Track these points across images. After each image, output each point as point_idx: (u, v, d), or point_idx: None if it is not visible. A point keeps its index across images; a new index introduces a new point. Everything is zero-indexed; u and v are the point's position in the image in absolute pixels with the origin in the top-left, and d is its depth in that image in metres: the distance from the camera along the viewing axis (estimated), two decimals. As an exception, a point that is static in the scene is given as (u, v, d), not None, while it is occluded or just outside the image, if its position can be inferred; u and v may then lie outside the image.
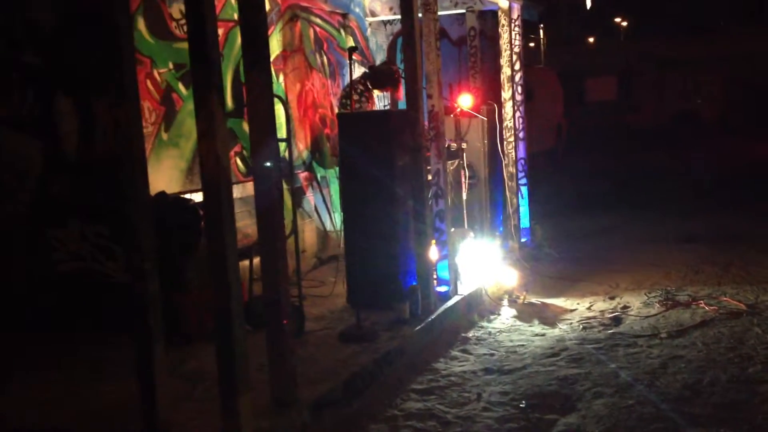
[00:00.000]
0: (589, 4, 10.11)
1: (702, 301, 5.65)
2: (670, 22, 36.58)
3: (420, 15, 5.52)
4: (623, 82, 23.40)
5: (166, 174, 5.41)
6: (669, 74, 24.28)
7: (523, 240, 7.67)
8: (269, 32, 6.45)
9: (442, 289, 5.74)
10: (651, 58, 26.06)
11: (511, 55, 7.49)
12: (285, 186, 6.71)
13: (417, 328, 5.10)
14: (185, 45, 3.51)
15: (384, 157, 5.49)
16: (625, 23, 44.94)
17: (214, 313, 3.39)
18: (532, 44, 33.85)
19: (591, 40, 41.67)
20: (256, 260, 5.28)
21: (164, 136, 5.42)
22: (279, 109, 5.12)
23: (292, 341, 3.80)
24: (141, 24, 5.12)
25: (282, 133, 6.67)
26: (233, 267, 3.38)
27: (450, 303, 5.62)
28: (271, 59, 6.54)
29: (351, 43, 7.92)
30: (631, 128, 22.34)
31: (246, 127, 4.41)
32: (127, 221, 3.29)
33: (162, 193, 5.08)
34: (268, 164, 3.69)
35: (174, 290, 4.79)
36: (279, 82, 6.64)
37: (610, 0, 40.15)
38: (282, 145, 6.68)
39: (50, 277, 5.15)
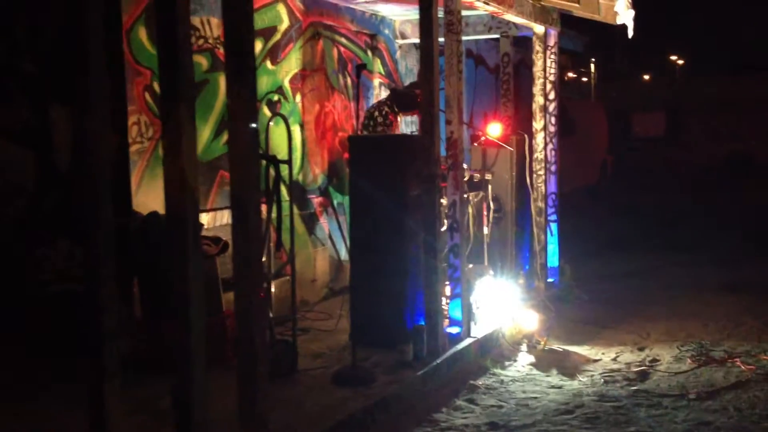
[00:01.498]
0: (630, 33, 9.68)
1: (738, 359, 5.10)
2: (725, 61, 35.69)
3: (442, 36, 5.16)
4: (672, 119, 22.66)
5: (162, 193, 5.10)
6: (722, 113, 23.46)
7: (550, 280, 7.19)
8: (287, 50, 6.20)
9: (454, 330, 5.31)
10: (704, 95, 25.27)
11: (544, 84, 7.07)
12: (295, 211, 6.42)
13: (419, 372, 4.67)
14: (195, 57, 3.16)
15: (396, 186, 5.12)
16: (681, 61, 44.02)
17: (174, 350, 3.04)
18: (584, 78, 33.30)
19: (646, 77, 40.90)
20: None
21: (161, 151, 5.12)
22: (283, 130, 4.80)
23: (265, 384, 3.41)
24: (142, 32, 4.86)
25: (296, 156, 6.39)
26: (196, 300, 3.03)
27: (460, 346, 5.19)
28: (288, 78, 6.29)
29: (379, 65, 7.61)
30: (680, 167, 21.58)
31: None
32: (85, 247, 2.96)
33: (154, 214, 4.77)
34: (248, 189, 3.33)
35: (162, 317, 4.47)
36: (295, 102, 6.34)
37: (664, 38, 39.41)
38: (296, 168, 6.43)
39: (38, 298, 4.87)
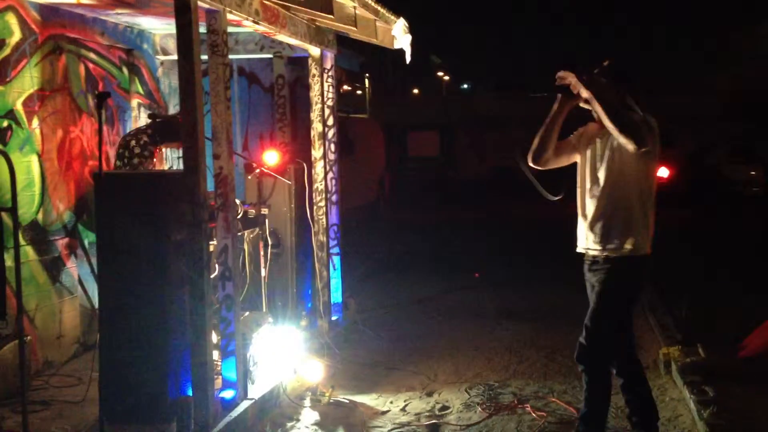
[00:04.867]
0: (408, 58, 9.76)
1: (528, 404, 4.93)
2: (493, 80, 38.06)
3: (205, 58, 4.49)
4: (444, 138, 23.50)
5: None
6: (489, 131, 24.72)
7: (334, 318, 6.73)
8: (20, 67, 5.20)
9: (228, 394, 4.63)
10: (472, 114, 26.51)
11: (323, 109, 6.61)
12: (34, 257, 5.40)
13: (186, 455, 3.96)
14: None
15: (156, 230, 4.38)
16: (447, 77, 46.30)
17: None
18: (359, 92, 33.76)
19: (416, 91, 42.44)
20: None
21: None
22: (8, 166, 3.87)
23: None
24: None
25: (33, 193, 5.38)
26: None
27: (236, 413, 4.52)
28: (22, 100, 5.27)
29: (137, 84, 6.74)
30: (451, 184, 22.34)
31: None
32: None
33: None
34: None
35: None
36: (30, 129, 5.33)
37: (428, 54, 41.21)
38: (33, 206, 5.41)
39: None
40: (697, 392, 4.85)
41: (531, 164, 4.22)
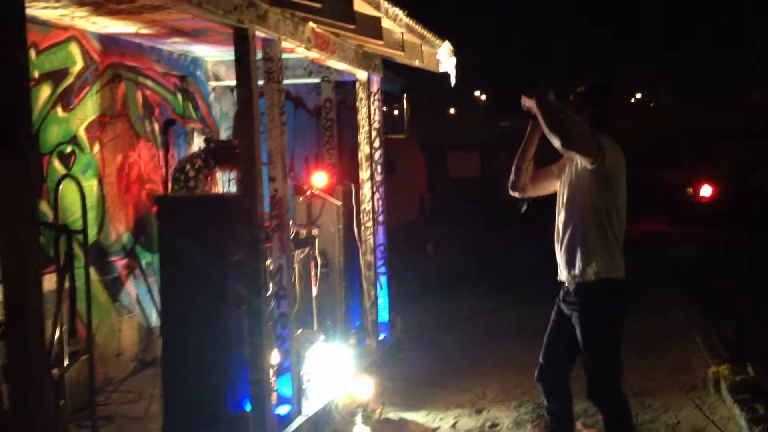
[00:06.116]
0: (453, 81, 9.90)
1: (579, 421, 4.97)
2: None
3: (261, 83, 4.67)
4: (485, 159, 23.47)
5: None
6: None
7: (381, 337, 6.83)
8: (82, 94, 5.45)
9: (284, 409, 4.77)
10: (510, 132, 26.50)
11: (369, 132, 6.76)
12: (94, 278, 5.61)
13: (245, 471, 4.09)
14: None
15: (215, 251, 4.54)
16: (483, 96, 46.44)
17: None
18: (396, 112, 34.02)
19: (452, 111, 42.61)
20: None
21: None
22: (79, 190, 4.08)
23: None
24: None
25: (94, 215, 5.60)
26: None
27: (291, 429, 4.65)
28: (84, 126, 5.51)
29: (191, 109, 6.97)
30: (492, 204, 22.31)
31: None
32: None
33: None
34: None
35: None
36: (93, 154, 5.56)
37: (469, 76, 41.35)
38: (94, 229, 5.62)
39: None
40: (747, 410, 4.85)
41: (510, 192, 4.31)
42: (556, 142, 3.87)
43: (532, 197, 4.36)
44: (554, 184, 4.25)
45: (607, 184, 3.98)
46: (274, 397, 4.76)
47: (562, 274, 4.13)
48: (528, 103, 4.07)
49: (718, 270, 9.93)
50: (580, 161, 3.95)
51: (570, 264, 4.05)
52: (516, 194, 4.31)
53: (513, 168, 4.26)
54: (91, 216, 5.55)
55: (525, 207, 4.38)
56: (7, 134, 2.53)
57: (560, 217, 4.14)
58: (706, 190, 17.29)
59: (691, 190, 17.56)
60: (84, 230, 3.90)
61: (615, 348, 4.06)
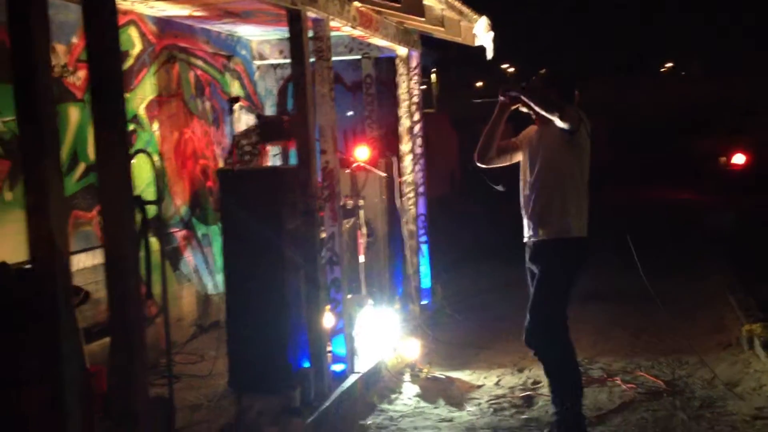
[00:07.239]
0: (489, 54, 9.96)
1: (618, 378, 5.24)
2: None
3: (312, 61, 4.94)
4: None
5: (11, 241, 4.54)
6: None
7: (423, 302, 7.13)
8: (141, 75, 5.76)
9: (338, 367, 5.09)
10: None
11: (409, 106, 7.02)
12: (158, 248, 5.95)
13: (309, 419, 4.42)
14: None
15: (272, 220, 4.84)
16: (512, 69, 46.12)
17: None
18: (424, 86, 34.07)
19: (479, 84, 42.45)
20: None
21: (8, 196, 4.57)
22: (147, 164, 4.41)
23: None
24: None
25: (153, 189, 5.92)
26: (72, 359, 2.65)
27: (346, 384, 4.98)
28: (144, 105, 5.83)
29: (237, 87, 7.26)
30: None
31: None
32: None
33: (2, 265, 4.21)
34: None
35: (10, 384, 3.92)
36: (152, 131, 5.89)
37: (497, 49, 41.12)
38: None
39: None
40: (780, 364, 5.07)
41: (477, 163, 4.75)
42: (556, 119, 4.30)
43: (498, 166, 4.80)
44: (517, 155, 4.71)
45: (582, 155, 4.46)
46: (329, 356, 5.09)
47: (532, 234, 4.51)
48: (512, 95, 4.54)
49: (752, 236, 10.05)
50: (564, 131, 4.34)
51: (543, 224, 4.44)
52: (483, 166, 4.77)
53: (482, 141, 4.73)
54: (153, 190, 5.88)
55: (501, 188, 4.89)
56: (108, 112, 2.84)
57: (529, 184, 4.50)
58: (738, 158, 17.29)
59: (724, 158, 17.58)
60: (158, 201, 4.21)
61: (564, 303, 4.51)
